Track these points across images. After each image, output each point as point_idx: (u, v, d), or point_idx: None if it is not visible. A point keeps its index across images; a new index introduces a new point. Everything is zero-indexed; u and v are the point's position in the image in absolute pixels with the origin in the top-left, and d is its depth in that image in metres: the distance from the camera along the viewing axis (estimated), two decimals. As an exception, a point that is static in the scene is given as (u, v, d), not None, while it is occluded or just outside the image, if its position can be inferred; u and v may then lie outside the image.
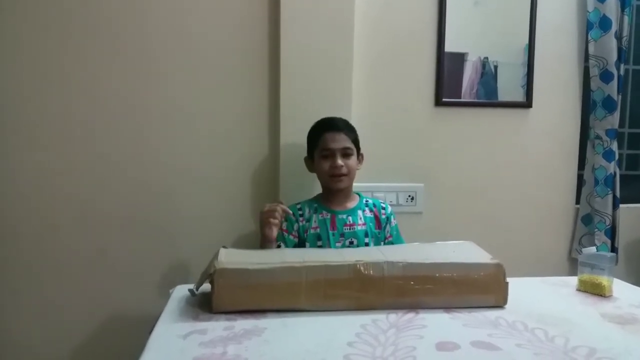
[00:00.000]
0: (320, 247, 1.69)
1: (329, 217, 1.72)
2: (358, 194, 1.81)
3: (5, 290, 1.88)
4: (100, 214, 1.90)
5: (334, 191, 1.73)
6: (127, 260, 1.93)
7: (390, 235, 1.78)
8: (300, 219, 1.73)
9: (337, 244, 1.70)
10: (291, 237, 1.72)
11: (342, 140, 1.69)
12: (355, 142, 1.74)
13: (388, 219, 1.78)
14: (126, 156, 1.91)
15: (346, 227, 1.71)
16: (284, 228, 1.72)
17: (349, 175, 1.71)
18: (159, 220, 1.94)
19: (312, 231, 1.71)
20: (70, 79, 1.85)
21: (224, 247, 1.41)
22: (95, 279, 1.92)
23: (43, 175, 1.87)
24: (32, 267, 1.88)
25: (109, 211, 1.91)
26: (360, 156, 1.77)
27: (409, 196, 2.09)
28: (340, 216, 1.72)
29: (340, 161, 1.67)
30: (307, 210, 1.75)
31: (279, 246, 1.68)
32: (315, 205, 1.76)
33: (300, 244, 1.71)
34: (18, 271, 1.88)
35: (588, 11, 2.14)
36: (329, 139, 1.69)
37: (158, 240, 1.94)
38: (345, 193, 1.76)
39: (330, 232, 1.70)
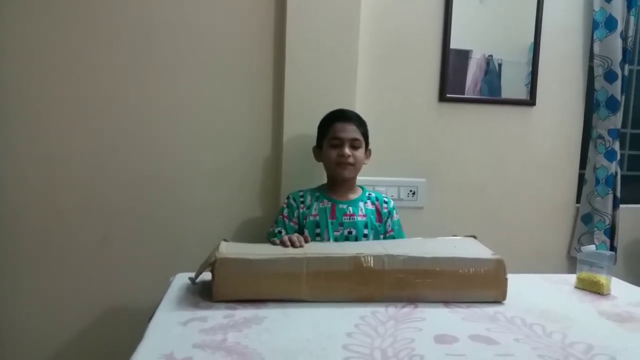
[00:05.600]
0: (318, 234, 1.71)
1: (329, 205, 1.74)
2: (362, 187, 1.83)
3: (7, 277, 1.89)
4: (104, 203, 1.91)
5: (338, 181, 1.75)
6: (128, 249, 1.93)
7: (392, 230, 1.79)
8: (302, 206, 1.75)
9: (336, 233, 1.71)
10: (291, 223, 1.74)
11: (351, 131, 1.72)
12: (365, 135, 1.76)
13: (390, 213, 1.79)
14: (130, 146, 1.91)
15: (345, 217, 1.73)
16: (285, 215, 1.75)
17: (355, 165, 1.73)
18: (161, 209, 1.94)
19: (311, 218, 1.73)
20: (76, 70, 1.85)
21: (224, 240, 1.42)
22: (97, 266, 1.92)
23: (47, 164, 1.87)
24: (34, 254, 1.89)
25: (112, 200, 1.91)
26: (368, 151, 1.79)
27: (411, 191, 2.10)
28: (340, 206, 1.74)
29: (348, 150, 1.69)
30: (308, 198, 1.77)
31: (279, 232, 1.70)
32: (318, 194, 1.78)
33: (300, 231, 1.72)
34: (19, 258, 1.89)
35: (594, 10, 2.14)
36: (339, 129, 1.71)
37: (160, 229, 1.94)
38: (349, 185, 1.78)
39: (329, 220, 1.72)
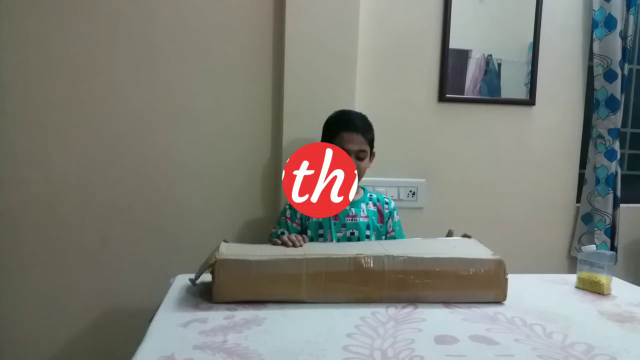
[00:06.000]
0: (321, 235, 1.71)
1: None
2: (363, 188, 1.83)
3: (7, 277, 1.89)
4: (103, 204, 1.91)
5: None
6: (128, 250, 1.93)
7: (393, 230, 1.79)
8: None
9: (338, 234, 1.71)
10: (294, 225, 1.74)
11: (358, 142, 1.69)
12: (371, 141, 1.74)
13: (391, 213, 1.79)
14: (129, 147, 1.90)
15: (348, 218, 1.73)
16: (288, 216, 1.75)
17: (359, 175, 1.72)
18: (161, 210, 1.94)
19: (314, 219, 1.72)
20: (74, 70, 1.85)
21: (224, 241, 1.42)
22: (97, 267, 1.92)
23: (46, 165, 1.87)
24: (34, 254, 1.89)
25: (112, 201, 1.91)
26: (372, 155, 1.78)
27: (410, 191, 2.09)
28: None
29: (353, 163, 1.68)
30: None
31: (282, 233, 1.70)
32: None
33: (303, 232, 1.72)
34: (19, 258, 1.89)
35: (593, 10, 2.13)
36: (346, 140, 1.68)
37: (160, 230, 1.94)
38: None
39: (332, 221, 1.72)
